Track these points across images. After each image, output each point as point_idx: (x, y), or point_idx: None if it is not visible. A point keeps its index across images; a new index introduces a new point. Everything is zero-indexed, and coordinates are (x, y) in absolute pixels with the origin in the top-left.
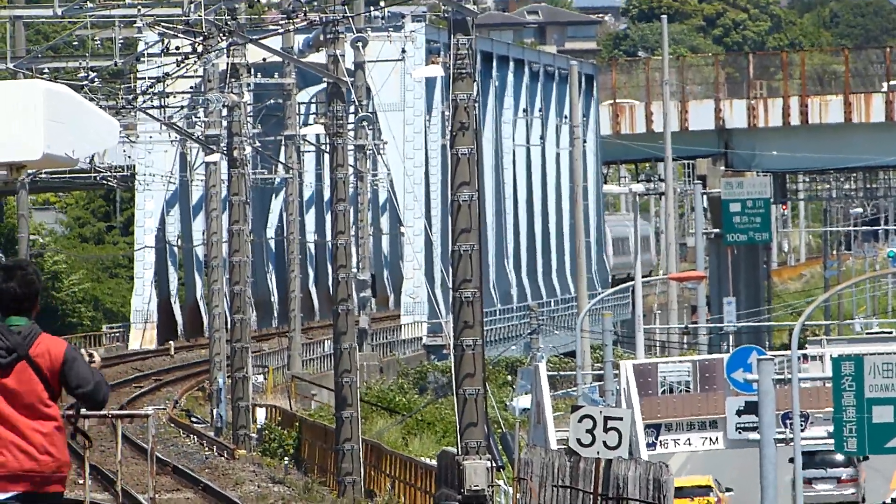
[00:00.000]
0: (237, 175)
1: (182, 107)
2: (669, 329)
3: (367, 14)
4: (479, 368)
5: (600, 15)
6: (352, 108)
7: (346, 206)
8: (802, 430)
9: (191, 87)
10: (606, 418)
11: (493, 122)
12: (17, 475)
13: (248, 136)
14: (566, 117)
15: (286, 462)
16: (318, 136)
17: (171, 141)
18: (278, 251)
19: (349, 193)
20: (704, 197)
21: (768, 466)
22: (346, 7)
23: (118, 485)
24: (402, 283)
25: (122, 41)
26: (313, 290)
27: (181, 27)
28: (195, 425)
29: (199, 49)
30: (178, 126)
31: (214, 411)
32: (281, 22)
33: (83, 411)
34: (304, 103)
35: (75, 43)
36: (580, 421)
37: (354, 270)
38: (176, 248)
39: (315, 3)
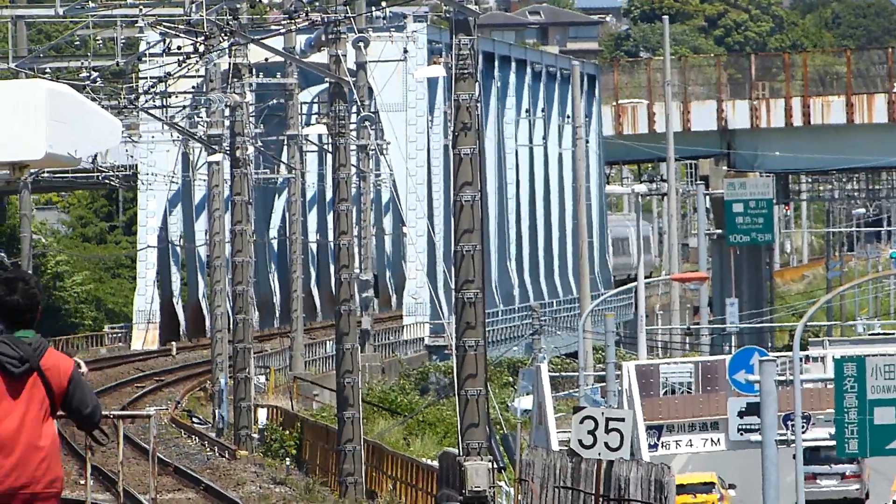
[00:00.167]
0: (240, 175)
1: (184, 106)
2: (671, 330)
3: (369, 14)
4: (480, 369)
5: (602, 15)
6: (354, 108)
7: (348, 206)
8: (804, 432)
9: (193, 87)
10: (608, 419)
11: (496, 122)
12: (12, 491)
13: (250, 135)
14: (568, 118)
15: (288, 463)
16: (320, 136)
17: (174, 140)
18: (281, 251)
19: (351, 193)
20: (707, 197)
21: (770, 468)
22: (347, 7)
23: (120, 485)
24: (405, 283)
25: (123, 41)
26: (315, 290)
27: (183, 27)
28: (197, 426)
29: (201, 49)
30: (180, 126)
31: (216, 412)
32: (283, 22)
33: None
34: (306, 103)
35: (77, 42)
36: (582, 422)
37: (357, 271)
38: (178, 248)
39: (317, 4)
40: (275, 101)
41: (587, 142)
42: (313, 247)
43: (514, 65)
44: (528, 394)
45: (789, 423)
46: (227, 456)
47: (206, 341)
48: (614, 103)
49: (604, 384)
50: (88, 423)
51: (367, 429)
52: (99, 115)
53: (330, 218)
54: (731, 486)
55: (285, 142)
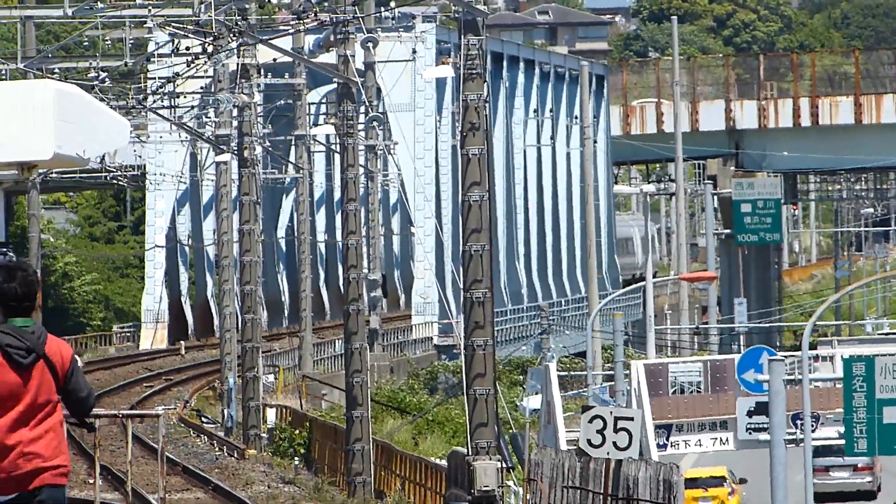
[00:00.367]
0: (248, 175)
1: (192, 107)
2: (680, 329)
3: (378, 14)
4: (489, 369)
5: (611, 16)
6: (362, 109)
7: (356, 206)
8: (813, 431)
9: (201, 88)
10: (617, 419)
11: (504, 122)
12: (22, 477)
13: (258, 136)
14: (577, 118)
15: (296, 462)
16: (328, 136)
17: (182, 141)
18: (289, 251)
19: (360, 193)
20: (715, 197)
21: (778, 467)
22: (356, 7)
23: (128, 485)
24: (413, 283)
25: (132, 41)
26: (324, 289)
27: (191, 27)
28: (205, 425)
29: (210, 49)
30: (188, 126)
31: (225, 411)
32: (291, 22)
33: (94, 411)
34: (314, 103)
35: (86, 43)
36: (591, 421)
37: (365, 270)
38: (187, 248)
39: (325, 4)
40: (283, 101)
41: (595, 142)
42: (321, 246)
43: (522, 65)
44: (536, 393)
45: (798, 422)
46: (235, 455)
47: (214, 341)
48: (623, 103)
49: (612, 383)
50: (83, 407)
51: (375, 428)
52: (107, 115)
53: (338, 218)
54: (743, 481)
55: (293, 142)
